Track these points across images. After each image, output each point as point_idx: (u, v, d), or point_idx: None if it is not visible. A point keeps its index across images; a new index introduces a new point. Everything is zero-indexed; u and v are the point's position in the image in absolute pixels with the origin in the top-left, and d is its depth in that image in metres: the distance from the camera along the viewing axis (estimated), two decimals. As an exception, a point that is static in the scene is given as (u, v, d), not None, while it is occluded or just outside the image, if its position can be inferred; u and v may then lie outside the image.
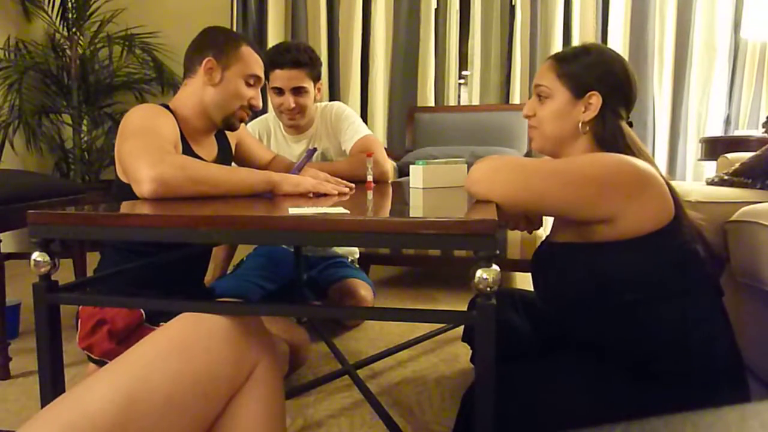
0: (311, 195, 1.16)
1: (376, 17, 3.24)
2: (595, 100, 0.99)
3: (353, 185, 1.34)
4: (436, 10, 3.21)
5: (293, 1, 3.30)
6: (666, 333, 0.90)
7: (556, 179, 0.89)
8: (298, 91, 1.81)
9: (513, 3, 3.10)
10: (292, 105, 1.82)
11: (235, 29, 3.29)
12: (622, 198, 0.88)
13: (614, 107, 1.01)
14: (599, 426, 0.26)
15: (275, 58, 1.79)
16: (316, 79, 1.85)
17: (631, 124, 1.04)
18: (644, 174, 0.89)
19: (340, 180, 1.32)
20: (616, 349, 0.94)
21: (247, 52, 1.37)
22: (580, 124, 1.01)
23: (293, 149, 1.98)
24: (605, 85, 1.00)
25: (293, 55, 1.77)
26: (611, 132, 1.00)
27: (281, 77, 1.79)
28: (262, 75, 1.42)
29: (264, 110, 1.89)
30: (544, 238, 1.14)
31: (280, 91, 1.83)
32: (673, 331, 0.90)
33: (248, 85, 1.37)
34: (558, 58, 1.05)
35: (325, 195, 1.16)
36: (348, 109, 1.98)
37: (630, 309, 0.91)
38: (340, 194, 1.18)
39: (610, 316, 0.93)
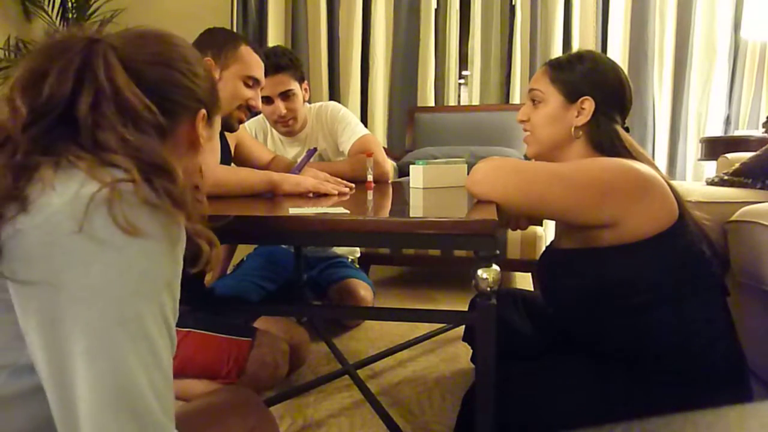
0: (312, 195, 1.16)
1: (376, 17, 3.24)
2: (588, 105, 1.00)
3: (353, 185, 1.34)
4: (436, 10, 3.21)
5: (293, 1, 3.30)
6: (670, 334, 0.90)
7: (558, 182, 0.89)
8: (286, 95, 1.80)
9: (513, 3, 3.10)
10: (284, 111, 1.81)
11: (235, 29, 3.29)
12: (624, 202, 0.88)
13: (608, 112, 1.01)
14: (600, 426, 0.26)
15: None
16: (300, 79, 1.84)
17: (627, 130, 1.04)
18: (646, 177, 0.89)
19: (340, 180, 1.32)
20: (620, 350, 0.94)
21: (247, 52, 1.36)
22: (572, 129, 1.01)
23: (288, 151, 1.97)
24: (598, 91, 1.00)
25: (273, 61, 1.75)
26: (607, 136, 1.00)
27: (267, 85, 1.75)
28: (262, 77, 1.40)
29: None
30: (548, 244, 1.14)
31: (268, 100, 1.81)
32: (678, 332, 0.90)
33: (246, 86, 1.36)
34: (552, 65, 1.06)
35: (326, 195, 1.16)
36: (344, 109, 1.97)
37: (636, 312, 0.91)
38: (341, 194, 1.18)
39: (616, 319, 0.93)
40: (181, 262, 0.54)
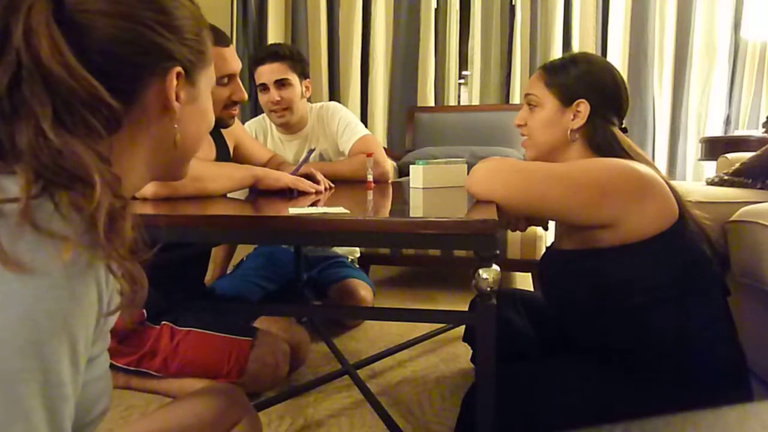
0: (295, 193, 1.20)
1: (376, 17, 3.24)
2: (583, 107, 1.00)
3: (332, 185, 1.37)
4: (436, 10, 3.21)
5: (293, 1, 3.30)
6: (671, 334, 0.90)
7: (557, 182, 0.89)
8: (281, 83, 1.81)
9: (513, 3, 3.10)
10: (277, 98, 1.81)
11: (235, 29, 3.29)
12: (623, 202, 0.88)
13: (604, 114, 1.01)
14: (600, 426, 0.26)
15: (256, 57, 1.84)
16: (300, 74, 1.85)
17: (625, 130, 1.04)
18: (645, 177, 0.89)
19: (324, 179, 1.34)
20: (620, 350, 0.94)
21: None
22: (569, 132, 1.01)
23: (287, 150, 1.97)
24: (593, 93, 1.00)
25: (272, 49, 1.81)
26: (604, 138, 1.00)
27: (263, 72, 1.81)
28: (235, 66, 1.32)
29: (260, 110, 1.93)
30: (548, 245, 1.15)
31: (265, 88, 1.83)
32: (679, 333, 0.90)
33: (222, 85, 1.30)
34: (546, 68, 1.06)
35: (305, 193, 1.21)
36: (344, 109, 1.97)
37: (636, 312, 0.91)
38: (317, 193, 1.22)
39: (617, 319, 0.93)
40: (87, 300, 0.41)
